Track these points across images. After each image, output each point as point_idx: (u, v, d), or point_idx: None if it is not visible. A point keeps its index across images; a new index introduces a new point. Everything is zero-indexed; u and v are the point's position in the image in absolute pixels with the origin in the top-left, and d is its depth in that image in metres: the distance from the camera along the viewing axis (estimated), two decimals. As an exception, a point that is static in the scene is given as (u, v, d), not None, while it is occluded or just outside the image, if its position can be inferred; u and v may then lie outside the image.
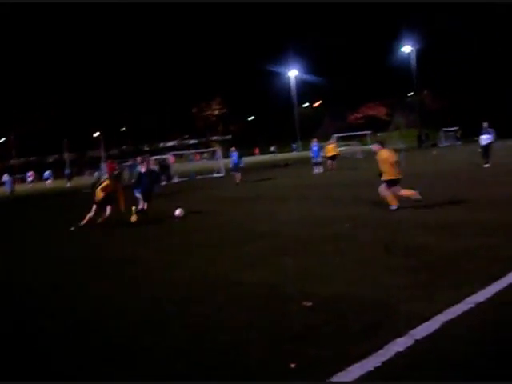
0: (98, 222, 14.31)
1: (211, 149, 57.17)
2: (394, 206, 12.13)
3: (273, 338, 4.94)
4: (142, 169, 15.33)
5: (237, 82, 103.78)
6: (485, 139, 22.79)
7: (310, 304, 5.78)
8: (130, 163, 39.36)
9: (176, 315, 5.98)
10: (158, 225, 14.01)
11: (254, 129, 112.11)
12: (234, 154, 28.27)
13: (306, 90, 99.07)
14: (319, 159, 29.94)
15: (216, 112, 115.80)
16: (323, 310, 5.61)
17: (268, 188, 23.42)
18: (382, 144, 13.11)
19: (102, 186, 14.50)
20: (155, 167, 28.97)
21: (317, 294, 6.12)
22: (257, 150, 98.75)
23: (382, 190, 12.42)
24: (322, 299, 5.94)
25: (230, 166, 29.17)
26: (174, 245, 10.77)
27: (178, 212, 14.49)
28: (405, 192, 12.30)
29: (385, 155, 12.41)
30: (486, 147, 22.64)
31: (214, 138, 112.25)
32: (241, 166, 28.08)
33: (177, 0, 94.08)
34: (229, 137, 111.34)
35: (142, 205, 14.81)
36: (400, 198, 12.25)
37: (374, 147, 13.05)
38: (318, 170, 29.31)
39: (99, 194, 14.33)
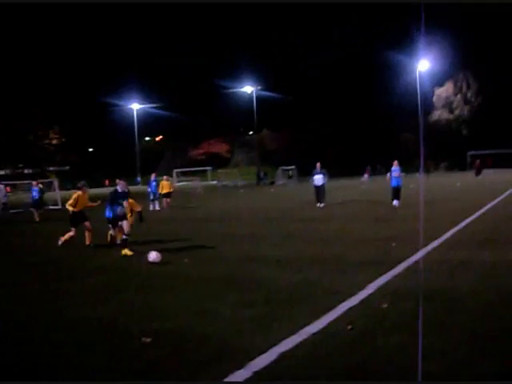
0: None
1: (48, 180, 54.61)
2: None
3: (112, 377, 4.81)
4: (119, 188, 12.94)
5: (77, 112, 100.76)
6: (318, 180, 23.54)
7: (149, 340, 5.70)
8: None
9: (5, 358, 5.61)
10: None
11: (95, 160, 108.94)
12: (35, 189, 26.01)
13: (148, 123, 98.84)
14: (154, 195, 28.26)
15: (54, 141, 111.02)
16: (163, 345, 5.56)
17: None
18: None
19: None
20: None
21: (156, 330, 6.05)
22: (107, 182, 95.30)
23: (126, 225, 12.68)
24: (162, 334, 5.89)
25: (30, 201, 26.67)
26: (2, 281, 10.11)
27: (153, 256, 10.89)
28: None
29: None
30: (319, 188, 23.46)
31: (51, 168, 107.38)
32: (35, 198, 25.58)
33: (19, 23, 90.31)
34: (67, 168, 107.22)
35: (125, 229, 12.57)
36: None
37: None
38: (154, 206, 27.88)
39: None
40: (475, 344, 5.14)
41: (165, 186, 27.66)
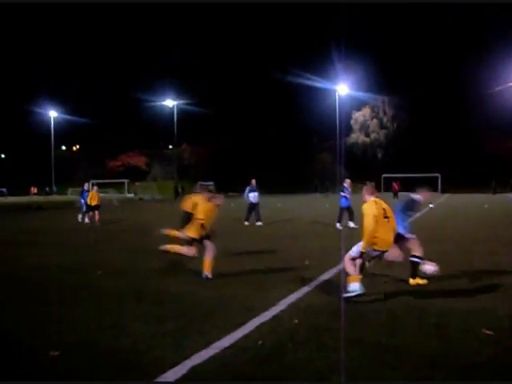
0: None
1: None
2: None
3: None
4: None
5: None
6: (254, 197, 22.83)
7: (57, 353, 5.59)
8: None
9: None
10: None
11: (9, 166, 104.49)
12: None
13: (66, 132, 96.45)
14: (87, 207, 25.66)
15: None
16: (72, 358, 5.46)
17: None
18: None
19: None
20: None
21: (64, 343, 5.93)
22: (33, 190, 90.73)
23: None
24: (70, 347, 5.78)
25: None
26: None
27: (431, 268, 9.03)
28: None
29: None
30: (256, 205, 22.82)
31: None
32: None
33: None
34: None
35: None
36: None
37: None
38: (84, 219, 25.47)
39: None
40: (378, 357, 5.35)
41: (94, 198, 25.39)
